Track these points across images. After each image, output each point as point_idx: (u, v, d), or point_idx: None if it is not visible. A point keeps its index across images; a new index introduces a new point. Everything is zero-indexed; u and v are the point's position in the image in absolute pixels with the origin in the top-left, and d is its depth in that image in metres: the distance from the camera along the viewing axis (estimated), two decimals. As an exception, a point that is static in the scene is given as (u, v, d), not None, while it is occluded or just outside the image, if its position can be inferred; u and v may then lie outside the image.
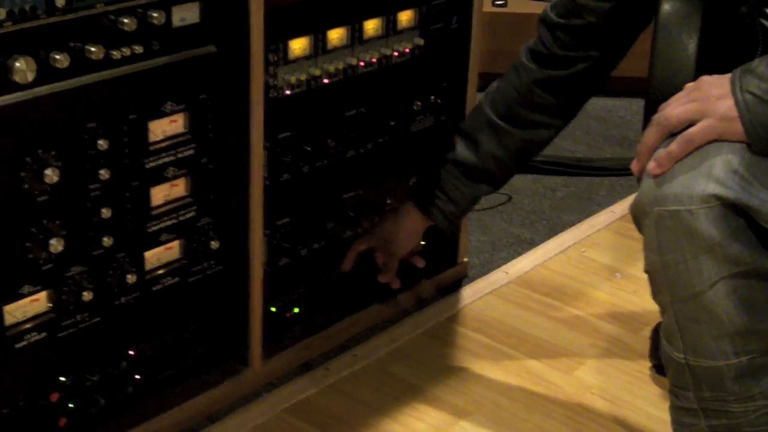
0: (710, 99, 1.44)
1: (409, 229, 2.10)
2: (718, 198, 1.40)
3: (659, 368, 2.04)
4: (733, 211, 1.40)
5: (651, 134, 1.50)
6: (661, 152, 1.46)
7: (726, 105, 1.43)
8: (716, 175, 1.40)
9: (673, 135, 1.47)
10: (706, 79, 1.48)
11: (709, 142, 1.43)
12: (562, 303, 2.31)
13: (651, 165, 1.47)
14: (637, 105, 3.34)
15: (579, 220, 2.68)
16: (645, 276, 2.36)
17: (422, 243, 2.18)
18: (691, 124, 1.45)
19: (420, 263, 2.21)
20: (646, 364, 2.09)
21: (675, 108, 1.47)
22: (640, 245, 2.50)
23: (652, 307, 2.25)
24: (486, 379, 2.05)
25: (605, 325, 2.24)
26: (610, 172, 2.93)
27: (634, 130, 3.19)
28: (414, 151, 2.18)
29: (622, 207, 2.73)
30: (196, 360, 1.91)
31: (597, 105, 3.31)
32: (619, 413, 1.97)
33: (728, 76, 1.46)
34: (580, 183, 2.88)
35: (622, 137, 3.18)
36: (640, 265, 2.41)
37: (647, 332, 2.12)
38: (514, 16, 3.30)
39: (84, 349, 1.72)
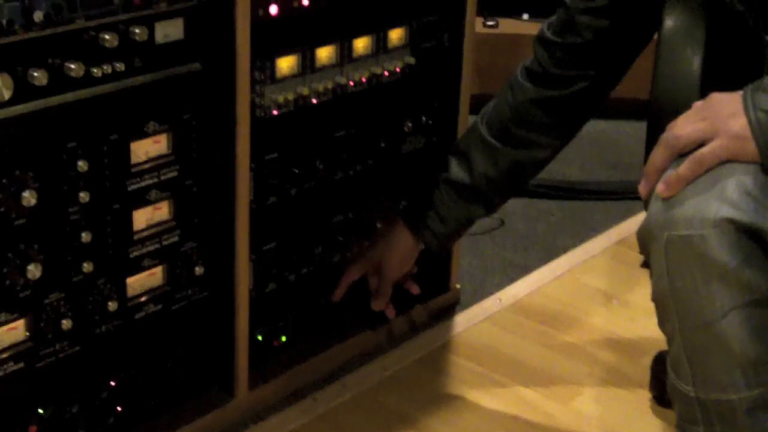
0: (721, 118, 1.39)
1: (401, 251, 2.06)
2: (731, 222, 1.35)
3: (660, 399, 2.01)
4: (747, 235, 1.35)
5: (659, 155, 1.44)
6: (670, 174, 1.41)
7: (738, 124, 1.38)
8: (729, 197, 1.35)
9: (682, 155, 1.41)
10: (716, 97, 1.43)
11: (721, 163, 1.38)
12: (558, 330, 2.28)
13: (660, 187, 1.41)
14: (632, 127, 3.33)
15: (574, 245, 2.64)
16: (643, 303, 2.36)
17: (415, 267, 2.14)
18: (701, 144, 1.40)
19: (415, 289, 2.18)
20: (645, 395, 2.04)
21: (684, 127, 1.42)
22: (637, 271, 2.52)
23: (651, 334, 2.23)
24: (480, 409, 2.01)
25: (603, 353, 2.20)
26: (605, 196, 2.91)
27: (629, 152, 3.18)
28: (404, 173, 2.15)
29: (617, 231, 2.71)
30: (180, 390, 1.87)
31: (590, 127, 3.23)
32: (618, 445, 1.94)
33: (739, 93, 1.41)
34: (574, 207, 2.85)
35: (617, 160, 3.15)
36: (638, 291, 2.43)
37: (646, 361, 2.07)
38: (505, 37, 3.28)
39: (63, 379, 1.67)
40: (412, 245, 2.06)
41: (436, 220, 2.00)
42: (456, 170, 1.97)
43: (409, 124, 2.11)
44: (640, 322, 2.29)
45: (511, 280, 2.47)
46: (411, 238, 2.04)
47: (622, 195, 2.88)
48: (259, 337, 1.98)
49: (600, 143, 3.26)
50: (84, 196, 1.60)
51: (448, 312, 2.31)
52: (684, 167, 1.40)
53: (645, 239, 1.45)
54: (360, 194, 2.08)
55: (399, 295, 2.15)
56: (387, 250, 2.07)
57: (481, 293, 2.40)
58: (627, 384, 2.09)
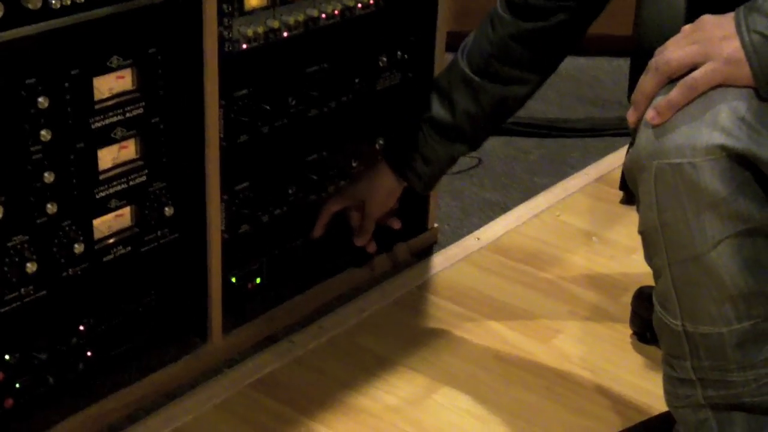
0: (713, 40, 1.34)
1: (385, 190, 2.03)
2: (724, 149, 1.30)
3: (641, 336, 1.99)
4: (739, 163, 1.31)
5: (648, 81, 1.39)
6: (660, 100, 1.36)
7: (731, 46, 1.33)
8: (722, 123, 1.31)
9: (672, 81, 1.37)
10: (707, 19, 1.38)
11: (713, 88, 1.33)
12: (537, 269, 2.25)
13: (649, 114, 1.36)
14: (610, 64, 3.32)
15: (552, 183, 2.62)
16: (622, 240, 2.34)
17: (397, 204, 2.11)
18: (692, 69, 1.35)
19: (396, 224, 2.15)
20: (626, 332, 2.02)
21: (674, 51, 1.37)
22: (617, 208, 2.50)
23: (631, 271, 2.21)
24: (460, 350, 1.99)
25: (583, 291, 2.17)
26: (584, 133, 2.88)
27: (608, 90, 3.16)
28: (380, 110, 2.10)
29: (596, 169, 2.68)
30: (152, 335, 1.84)
31: (569, 65, 3.23)
32: (601, 383, 1.90)
33: (732, 15, 1.36)
34: (552, 145, 2.82)
35: (595, 97, 3.13)
36: (617, 228, 2.41)
37: (627, 298, 2.05)
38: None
39: (30, 324, 1.64)
40: (395, 186, 2.03)
41: (419, 160, 1.97)
42: (438, 109, 1.93)
43: (384, 59, 2.07)
44: (620, 259, 2.27)
45: (490, 219, 2.44)
46: (395, 179, 2.01)
47: (601, 132, 2.86)
48: (233, 280, 1.94)
49: (578, 80, 3.24)
50: (45, 135, 1.55)
51: (426, 252, 2.28)
52: (675, 92, 1.35)
53: (633, 169, 1.40)
54: (334, 132, 2.04)
55: (378, 233, 2.12)
56: (370, 189, 2.04)
57: (459, 233, 2.37)
58: (608, 321, 2.07)
